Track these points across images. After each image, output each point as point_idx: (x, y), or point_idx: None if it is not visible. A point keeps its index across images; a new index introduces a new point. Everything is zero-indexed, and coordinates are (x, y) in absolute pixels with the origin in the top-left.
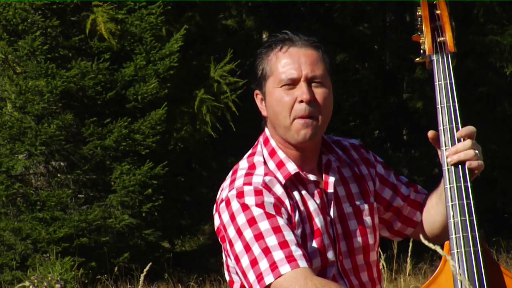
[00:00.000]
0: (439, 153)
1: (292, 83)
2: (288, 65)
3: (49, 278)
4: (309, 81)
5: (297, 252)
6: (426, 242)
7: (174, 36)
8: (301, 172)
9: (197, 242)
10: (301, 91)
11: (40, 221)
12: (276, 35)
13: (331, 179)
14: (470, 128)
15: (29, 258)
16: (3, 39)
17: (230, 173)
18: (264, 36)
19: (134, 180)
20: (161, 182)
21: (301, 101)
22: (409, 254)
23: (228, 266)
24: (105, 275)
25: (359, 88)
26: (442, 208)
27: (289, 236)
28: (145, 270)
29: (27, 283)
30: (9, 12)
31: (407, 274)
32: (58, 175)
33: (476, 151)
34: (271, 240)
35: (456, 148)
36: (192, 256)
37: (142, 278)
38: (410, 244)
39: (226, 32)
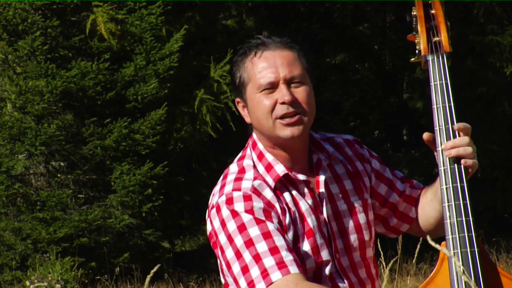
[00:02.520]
0: (435, 154)
1: (272, 87)
2: (265, 70)
3: (49, 278)
4: (288, 82)
5: (287, 257)
6: (433, 243)
7: (174, 36)
8: (290, 173)
9: (197, 242)
10: (282, 93)
11: (40, 221)
12: (249, 41)
13: (322, 178)
14: (466, 124)
15: (29, 258)
16: (3, 39)
17: (221, 177)
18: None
19: (134, 180)
20: (161, 182)
21: (283, 103)
22: (415, 255)
23: (222, 269)
24: (105, 275)
25: (359, 88)
26: (436, 204)
27: (279, 241)
28: (152, 271)
29: (27, 283)
30: (9, 12)
31: (409, 275)
32: (58, 175)
33: (473, 150)
34: (261, 246)
35: (454, 142)
36: (192, 256)
37: (148, 280)
38: (418, 246)
39: (226, 32)
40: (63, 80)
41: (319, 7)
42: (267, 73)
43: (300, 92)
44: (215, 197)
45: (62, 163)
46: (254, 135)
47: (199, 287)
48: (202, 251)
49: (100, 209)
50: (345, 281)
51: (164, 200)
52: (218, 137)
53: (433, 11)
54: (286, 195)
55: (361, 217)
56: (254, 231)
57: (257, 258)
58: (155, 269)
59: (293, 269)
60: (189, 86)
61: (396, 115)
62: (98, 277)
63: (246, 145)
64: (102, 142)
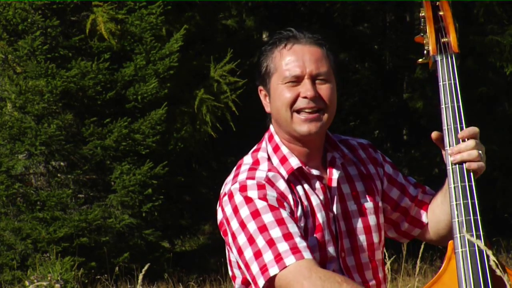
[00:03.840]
0: (443, 153)
1: (296, 80)
2: (292, 62)
3: (49, 278)
4: (313, 78)
5: (301, 243)
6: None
7: (174, 36)
8: (304, 167)
9: (197, 242)
10: (305, 87)
11: (40, 221)
12: (280, 32)
13: (335, 175)
14: (472, 129)
15: (29, 258)
16: (3, 39)
17: (235, 168)
18: (264, 36)
19: (134, 180)
20: (161, 182)
21: (305, 97)
22: (420, 255)
23: (230, 261)
24: (105, 275)
25: (359, 88)
26: (446, 207)
27: (293, 228)
28: (144, 270)
29: (27, 283)
30: (9, 12)
31: (416, 275)
32: (58, 175)
33: (480, 152)
34: (275, 232)
35: (459, 147)
36: (192, 256)
37: (140, 277)
38: (422, 246)
39: (226, 32)
40: (63, 80)
41: (319, 7)
42: (294, 66)
43: (324, 89)
44: (228, 185)
45: (62, 163)
46: (272, 128)
47: (199, 287)
48: (202, 251)
49: (100, 209)
50: None
51: (164, 200)
52: (218, 137)
53: (441, 13)
54: (299, 188)
55: (371, 219)
56: (268, 217)
57: (271, 243)
58: (146, 267)
59: (307, 254)
60: (189, 86)
61: (396, 115)
62: (98, 277)
63: (262, 138)
64: (102, 142)
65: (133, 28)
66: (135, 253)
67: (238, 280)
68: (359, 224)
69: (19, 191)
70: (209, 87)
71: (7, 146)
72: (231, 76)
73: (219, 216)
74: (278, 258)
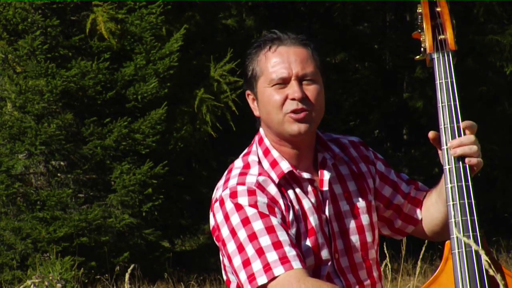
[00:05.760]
0: (440, 153)
1: (283, 82)
2: (278, 65)
3: (50, 277)
4: (300, 79)
5: (290, 252)
6: None
7: (174, 35)
8: (294, 171)
9: (197, 241)
10: (293, 89)
11: (40, 220)
12: (265, 35)
13: (326, 177)
14: (473, 123)
15: (29, 257)
16: (3, 38)
17: (226, 172)
18: None
19: (134, 180)
20: (161, 182)
21: (293, 99)
22: (420, 256)
23: (224, 266)
24: (106, 275)
25: (359, 88)
26: (441, 206)
27: (282, 236)
28: (129, 269)
29: (28, 283)
30: (9, 11)
31: (416, 275)
32: (58, 174)
33: (478, 147)
34: (265, 240)
35: (460, 140)
36: (192, 255)
37: (127, 276)
38: (423, 248)
39: (226, 32)
40: (63, 80)
41: (319, 7)
42: (280, 68)
43: (311, 90)
44: (219, 191)
45: (62, 163)
46: (261, 131)
47: (199, 286)
48: (202, 251)
49: (100, 209)
50: (343, 281)
51: (164, 199)
52: (218, 136)
53: (438, 9)
54: (290, 192)
55: (364, 219)
56: (258, 225)
57: (260, 252)
58: (131, 267)
59: (296, 264)
60: (189, 85)
61: (396, 114)
62: (98, 277)
63: (252, 141)
64: (102, 142)
65: (133, 27)
66: (135, 253)
67: (233, 285)
68: (352, 224)
69: (19, 191)
70: (209, 86)
71: (7, 146)
72: (231, 76)
73: (211, 222)
74: (267, 267)
